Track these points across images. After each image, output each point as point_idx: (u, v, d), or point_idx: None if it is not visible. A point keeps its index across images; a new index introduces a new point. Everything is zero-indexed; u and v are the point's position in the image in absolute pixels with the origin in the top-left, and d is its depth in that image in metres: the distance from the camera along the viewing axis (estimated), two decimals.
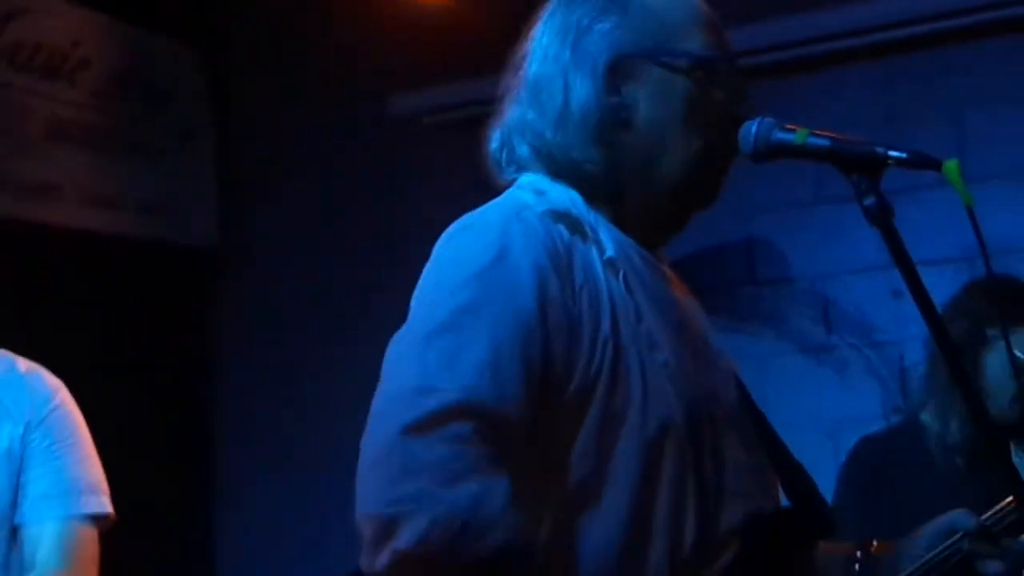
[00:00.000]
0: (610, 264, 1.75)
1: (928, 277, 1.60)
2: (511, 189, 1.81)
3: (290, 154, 4.97)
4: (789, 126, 1.71)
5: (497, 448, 1.57)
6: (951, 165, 1.62)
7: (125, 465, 2.84)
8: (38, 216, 4.51)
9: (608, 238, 1.77)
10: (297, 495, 4.67)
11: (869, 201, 1.63)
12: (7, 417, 2.68)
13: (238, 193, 5.15)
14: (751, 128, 1.73)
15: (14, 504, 2.68)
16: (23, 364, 2.76)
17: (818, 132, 1.69)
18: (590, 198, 1.78)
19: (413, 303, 1.71)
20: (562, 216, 1.74)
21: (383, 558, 1.53)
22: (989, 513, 2.13)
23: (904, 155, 1.63)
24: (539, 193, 1.76)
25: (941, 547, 2.04)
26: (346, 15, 4.55)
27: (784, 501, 1.92)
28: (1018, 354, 3.00)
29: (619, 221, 1.79)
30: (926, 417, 3.07)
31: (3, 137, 4.34)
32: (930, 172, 1.61)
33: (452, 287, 1.65)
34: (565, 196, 1.76)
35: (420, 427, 1.52)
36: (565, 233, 1.72)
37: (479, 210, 1.77)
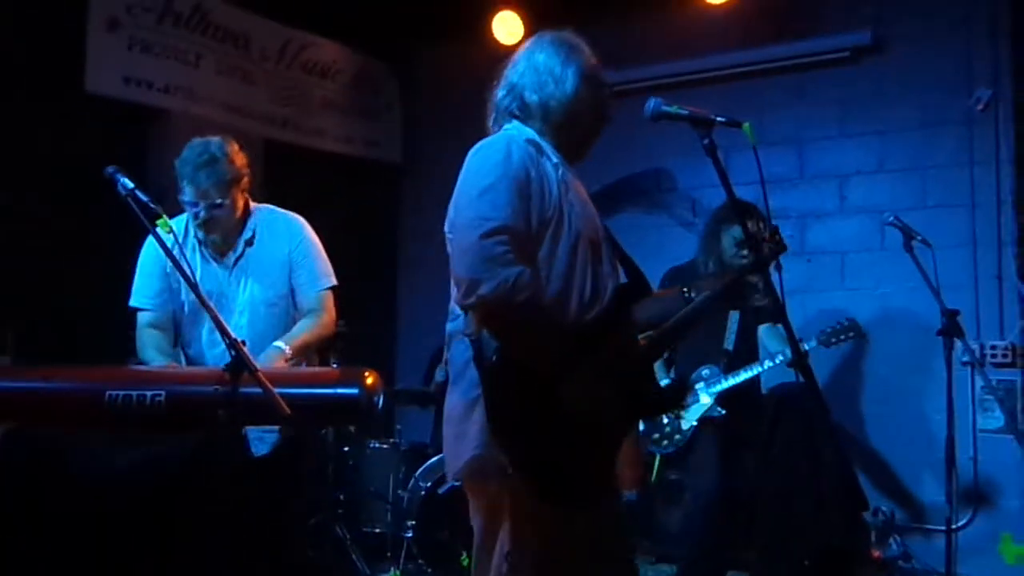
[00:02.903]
0: (555, 167, 2.26)
1: (738, 190, 2.17)
2: (503, 130, 2.34)
3: (445, 113, 6.11)
4: (668, 104, 2.15)
5: (519, 249, 2.06)
6: (747, 126, 2.03)
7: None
8: (314, 145, 5.87)
9: (553, 155, 2.28)
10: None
11: (706, 142, 2.06)
12: (282, 243, 3.20)
13: (415, 134, 6.49)
14: (650, 103, 2.14)
15: (290, 287, 3.23)
16: (285, 212, 3.27)
17: (683, 107, 2.17)
18: (542, 136, 2.32)
19: (461, 182, 2.17)
20: (531, 142, 2.26)
21: (472, 300, 2.01)
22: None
23: (722, 119, 2.08)
24: (519, 131, 2.29)
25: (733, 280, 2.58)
26: (471, 42, 5.68)
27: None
28: (735, 236, 4.04)
29: (557, 149, 2.33)
30: (699, 258, 4.30)
31: (300, 107, 5.84)
32: (740, 132, 2.05)
33: (486, 171, 2.14)
34: (530, 134, 2.30)
35: (486, 236, 2.03)
36: (533, 151, 2.23)
37: (490, 137, 2.24)
